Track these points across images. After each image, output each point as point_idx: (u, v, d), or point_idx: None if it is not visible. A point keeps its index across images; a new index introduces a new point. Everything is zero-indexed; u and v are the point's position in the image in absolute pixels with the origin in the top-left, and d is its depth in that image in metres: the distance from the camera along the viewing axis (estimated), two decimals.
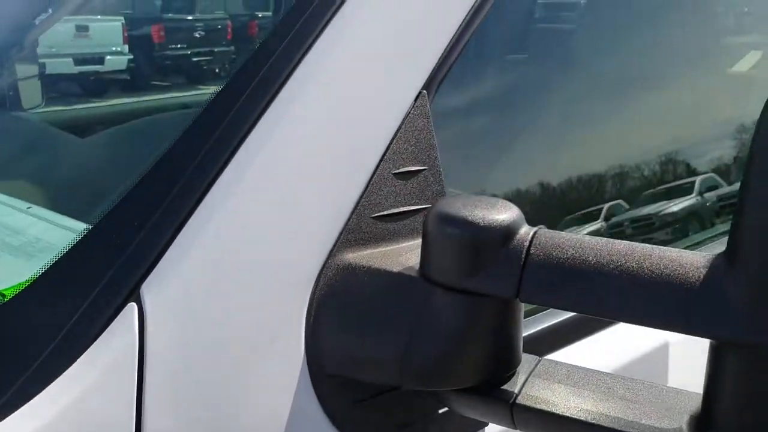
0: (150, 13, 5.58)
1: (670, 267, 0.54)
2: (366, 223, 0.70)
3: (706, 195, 1.27)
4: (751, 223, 0.50)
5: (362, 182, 0.69)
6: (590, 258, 0.57)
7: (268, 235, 0.63)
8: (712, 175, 1.31)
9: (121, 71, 3.36)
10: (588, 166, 1.15)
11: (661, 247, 0.56)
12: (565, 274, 0.57)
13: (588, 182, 1.18)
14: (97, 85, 2.66)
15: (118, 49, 3.99)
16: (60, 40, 3.17)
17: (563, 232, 0.60)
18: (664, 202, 1.22)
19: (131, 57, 3.52)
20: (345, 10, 0.72)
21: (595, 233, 1.09)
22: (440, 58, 0.77)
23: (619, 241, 0.58)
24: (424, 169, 0.75)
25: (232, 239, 0.62)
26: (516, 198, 1.06)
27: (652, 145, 1.23)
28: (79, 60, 3.15)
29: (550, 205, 1.10)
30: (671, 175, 1.27)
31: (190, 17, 6.18)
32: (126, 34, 4.25)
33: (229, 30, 5.88)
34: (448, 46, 0.77)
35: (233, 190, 0.63)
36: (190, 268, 0.60)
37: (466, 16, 0.79)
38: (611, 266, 0.56)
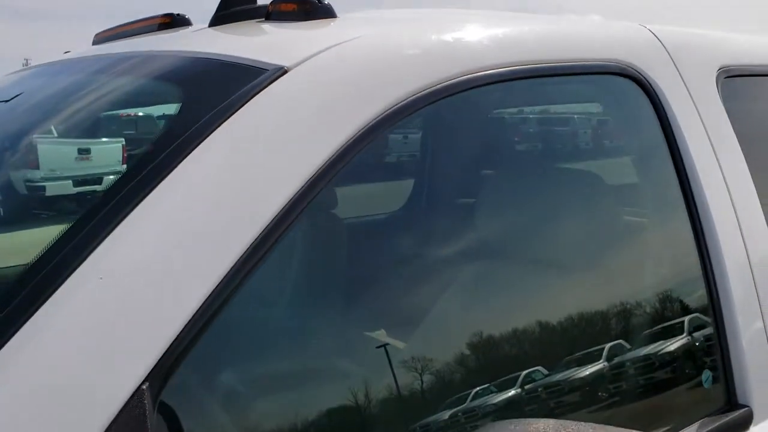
0: (149, 132, 5.94)
1: None
2: None
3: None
4: None
5: None
6: None
7: None
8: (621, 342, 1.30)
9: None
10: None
11: None
12: None
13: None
14: (92, 202, 2.99)
15: (117, 168, 4.39)
16: (62, 162, 3.50)
17: None
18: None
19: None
20: (56, 296, 0.63)
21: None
22: (171, 343, 0.59)
23: None
24: None
25: None
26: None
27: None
28: (79, 181, 3.46)
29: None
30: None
31: None
32: (125, 154, 4.59)
33: None
34: (184, 329, 0.59)
35: None
36: None
37: (211, 291, 0.64)
38: None
